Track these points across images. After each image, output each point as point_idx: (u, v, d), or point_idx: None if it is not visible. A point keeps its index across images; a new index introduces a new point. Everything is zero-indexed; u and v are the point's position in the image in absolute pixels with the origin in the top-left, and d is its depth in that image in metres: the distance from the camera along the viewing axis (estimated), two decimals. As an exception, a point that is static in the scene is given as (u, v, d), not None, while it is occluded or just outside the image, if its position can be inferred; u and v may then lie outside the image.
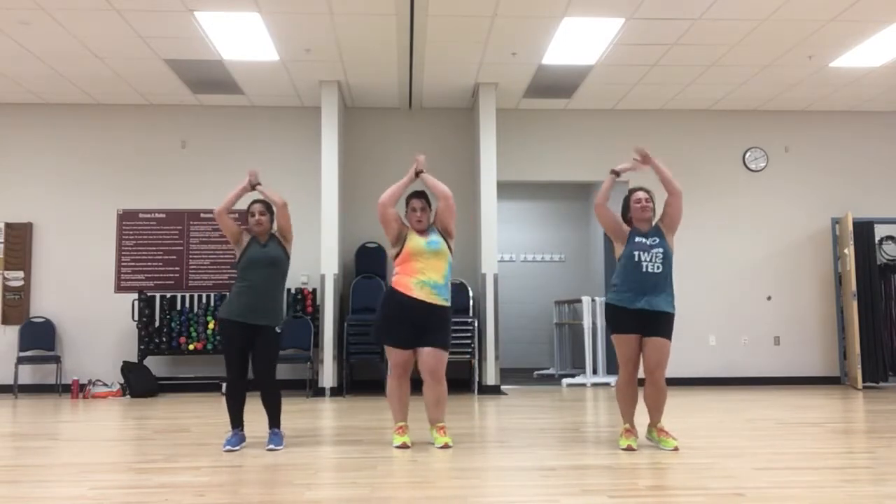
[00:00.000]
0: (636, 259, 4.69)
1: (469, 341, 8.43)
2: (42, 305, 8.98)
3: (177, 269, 9.16)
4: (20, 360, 8.59)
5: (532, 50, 7.66)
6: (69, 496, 3.61)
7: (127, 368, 8.49)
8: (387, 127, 9.58)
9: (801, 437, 5.26)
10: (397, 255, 4.95)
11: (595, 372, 9.54)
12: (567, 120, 9.61)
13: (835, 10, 6.73)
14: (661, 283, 4.70)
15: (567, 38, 7.33)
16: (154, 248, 9.16)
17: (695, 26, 7.04)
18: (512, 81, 8.60)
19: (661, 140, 9.45)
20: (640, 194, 4.82)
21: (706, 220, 9.40)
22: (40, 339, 8.81)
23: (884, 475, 3.98)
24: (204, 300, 8.86)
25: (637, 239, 4.76)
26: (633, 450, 4.63)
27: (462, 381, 8.62)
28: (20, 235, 9.03)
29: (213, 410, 7.03)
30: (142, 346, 8.64)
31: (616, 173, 4.87)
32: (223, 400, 7.90)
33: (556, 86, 8.73)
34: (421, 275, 4.83)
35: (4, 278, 8.98)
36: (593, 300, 9.80)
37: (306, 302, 8.84)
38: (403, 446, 4.78)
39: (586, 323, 9.65)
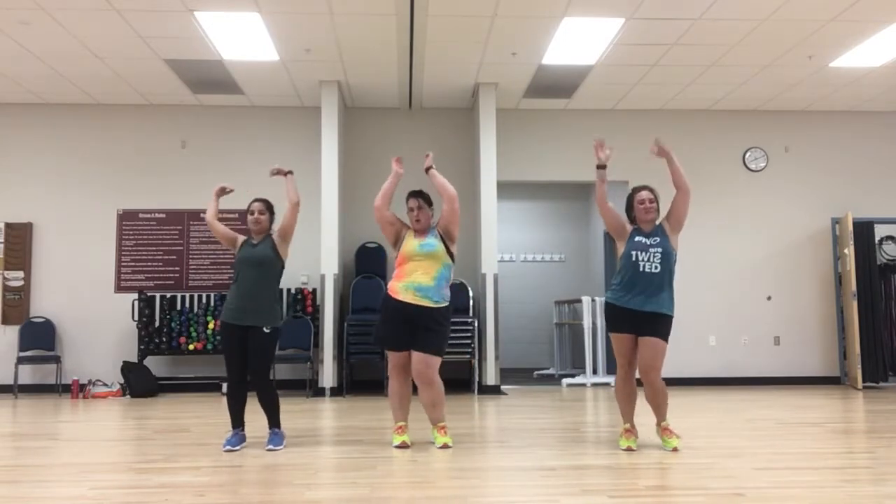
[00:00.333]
0: (633, 259, 4.67)
1: (469, 341, 8.43)
2: (42, 305, 8.98)
3: (177, 269, 9.17)
4: (20, 360, 8.59)
5: (532, 50, 7.66)
6: (69, 496, 3.62)
7: (127, 368, 8.49)
8: (387, 127, 9.58)
9: (801, 437, 5.26)
10: (397, 255, 4.99)
11: (595, 372, 9.54)
12: (567, 120, 9.61)
13: (835, 10, 6.73)
14: (659, 283, 4.65)
15: (567, 38, 7.33)
16: (154, 248, 9.16)
17: (695, 26, 7.04)
18: (512, 81, 8.60)
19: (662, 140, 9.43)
20: (644, 194, 4.75)
21: (706, 220, 9.40)
22: (40, 339, 8.81)
23: (884, 475, 3.98)
24: (204, 300, 8.86)
25: (637, 238, 4.73)
26: (633, 450, 4.64)
27: (462, 381, 8.63)
28: (20, 235, 9.03)
29: (213, 410, 7.03)
30: (142, 346, 8.64)
31: (601, 166, 4.80)
32: (223, 400, 7.91)
33: (556, 86, 8.73)
34: (408, 277, 4.84)
35: (4, 278, 8.98)
36: (593, 300, 9.80)
37: (306, 302, 8.84)
38: (402, 445, 4.78)
39: (586, 323, 9.65)
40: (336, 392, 8.30)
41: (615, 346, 4.76)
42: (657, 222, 4.80)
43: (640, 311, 4.64)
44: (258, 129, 9.39)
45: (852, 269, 8.91)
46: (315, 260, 8.65)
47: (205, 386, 8.80)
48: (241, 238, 5.08)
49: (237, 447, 4.78)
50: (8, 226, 9.03)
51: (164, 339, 8.68)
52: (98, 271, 9.07)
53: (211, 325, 8.69)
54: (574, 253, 12.62)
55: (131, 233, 9.17)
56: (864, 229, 9.11)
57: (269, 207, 5.07)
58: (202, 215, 9.18)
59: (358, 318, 8.57)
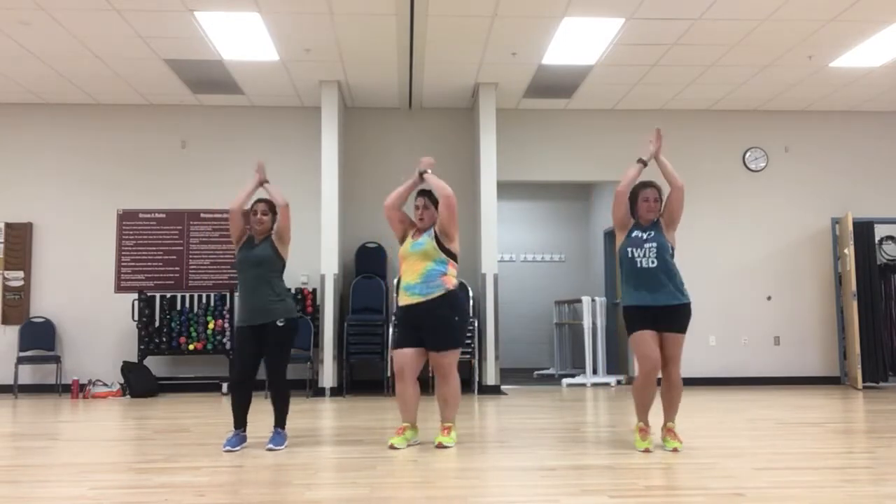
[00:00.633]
0: (630, 255, 4.71)
1: (469, 341, 8.42)
2: (42, 305, 8.98)
3: (177, 269, 9.17)
4: (20, 360, 8.59)
5: (532, 50, 7.66)
6: (69, 496, 3.61)
7: (127, 368, 8.49)
8: (387, 127, 9.58)
9: (801, 437, 5.26)
10: None
11: (595, 372, 9.54)
12: (567, 120, 9.61)
13: (835, 10, 6.73)
14: (660, 277, 4.65)
15: (567, 38, 7.33)
16: (154, 248, 9.16)
17: (695, 26, 7.04)
18: (512, 81, 8.60)
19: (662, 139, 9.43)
20: (650, 193, 4.75)
21: (706, 220, 9.40)
22: (40, 339, 8.81)
23: (884, 475, 3.98)
24: (204, 300, 8.86)
25: (634, 234, 4.75)
26: (650, 452, 4.59)
27: (462, 381, 8.57)
28: (20, 235, 9.03)
29: (213, 410, 7.04)
30: (142, 346, 8.64)
31: (644, 162, 4.80)
32: (224, 400, 7.92)
33: (556, 86, 8.73)
34: (402, 280, 4.97)
35: (4, 278, 8.98)
36: (593, 300, 9.80)
37: (306, 302, 8.84)
38: (391, 447, 4.78)
39: (586, 323, 9.65)
40: (336, 392, 8.30)
41: (638, 346, 4.65)
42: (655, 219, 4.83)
43: (654, 307, 4.65)
44: (258, 129, 9.39)
45: (852, 269, 8.91)
46: (315, 260, 8.65)
47: (205, 386, 8.80)
48: (244, 237, 5.09)
49: (237, 448, 4.78)
50: (8, 226, 9.03)
51: (164, 339, 8.68)
52: (98, 271, 9.07)
53: (211, 325, 8.69)
54: (574, 253, 12.62)
55: (131, 233, 9.17)
56: (864, 229, 9.11)
57: (271, 208, 5.08)
58: (203, 214, 9.19)
59: (358, 318, 8.57)
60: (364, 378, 8.86)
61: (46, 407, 7.54)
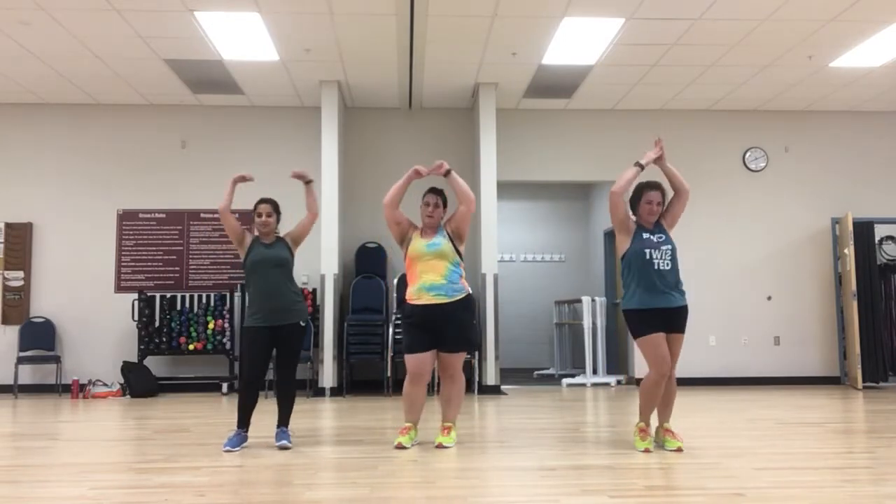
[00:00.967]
0: (647, 257, 4.66)
1: (473, 342, 8.40)
2: (42, 305, 8.98)
3: (177, 269, 9.16)
4: (20, 360, 8.59)
5: (532, 50, 7.66)
6: (69, 496, 3.61)
7: (127, 368, 8.49)
8: (387, 127, 9.58)
9: (801, 437, 5.26)
10: (405, 257, 5.00)
11: (595, 372, 9.54)
12: (567, 120, 9.61)
13: (835, 10, 6.73)
14: (672, 278, 4.69)
15: (567, 38, 7.32)
16: (154, 248, 9.16)
17: (695, 26, 7.04)
18: (512, 81, 8.60)
19: (662, 140, 9.43)
20: (654, 196, 4.74)
21: (706, 220, 9.40)
22: (40, 339, 8.81)
23: (884, 475, 3.98)
24: (204, 300, 8.85)
25: (645, 236, 4.73)
26: (650, 451, 4.60)
27: (462, 381, 8.62)
28: (20, 235, 9.03)
29: (213, 410, 7.04)
30: (142, 346, 8.64)
31: (641, 166, 4.78)
32: (224, 400, 7.91)
33: (556, 86, 8.73)
34: (419, 280, 4.86)
35: (4, 278, 8.98)
36: (593, 300, 9.80)
37: (306, 302, 8.84)
38: (399, 447, 4.78)
39: (586, 323, 9.65)
40: (336, 392, 8.30)
41: (650, 349, 4.62)
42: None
43: (670, 308, 4.65)
44: (258, 129, 9.39)
45: (852, 269, 8.91)
46: (315, 260, 8.65)
47: (205, 386, 8.80)
48: (249, 237, 5.04)
49: (237, 448, 4.78)
50: (8, 226, 9.03)
51: (164, 339, 8.68)
52: (98, 271, 9.07)
53: (211, 325, 8.69)
54: (574, 253, 12.61)
55: (131, 233, 9.17)
56: (864, 229, 9.11)
57: (275, 208, 5.05)
58: (203, 214, 9.20)
59: (358, 318, 8.57)
60: (364, 378, 8.86)
61: (46, 407, 7.54)
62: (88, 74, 8.22)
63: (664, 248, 4.69)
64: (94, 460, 4.57)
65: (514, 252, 12.58)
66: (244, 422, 4.90)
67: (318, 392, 8.30)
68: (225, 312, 8.74)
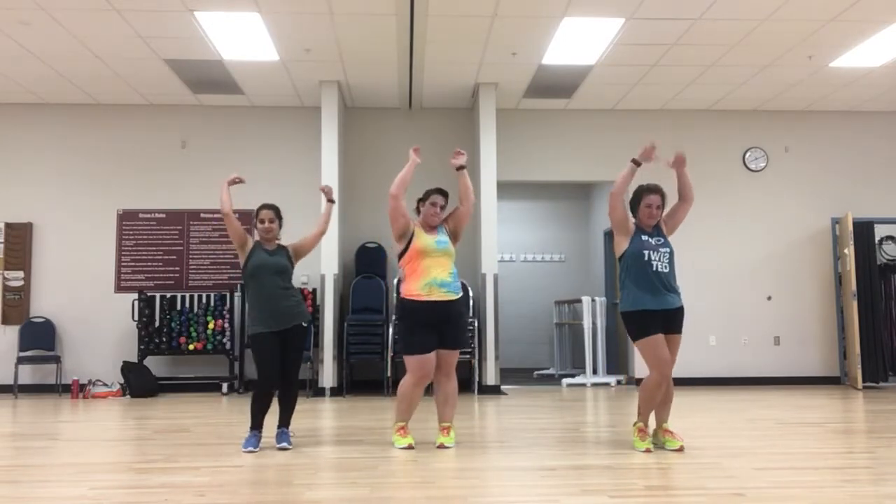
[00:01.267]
0: (646, 258, 4.66)
1: (469, 341, 8.42)
2: (42, 305, 8.98)
3: (177, 269, 9.16)
4: (20, 360, 8.58)
5: (532, 50, 7.66)
6: (69, 496, 3.62)
7: (127, 368, 8.49)
8: (387, 127, 9.58)
9: (801, 437, 5.26)
10: (403, 252, 4.89)
11: (595, 372, 9.54)
12: (567, 120, 9.61)
13: (835, 10, 6.73)
14: (669, 281, 4.71)
15: (567, 38, 7.32)
16: (154, 248, 9.16)
17: (695, 26, 7.04)
18: (512, 81, 8.60)
19: (661, 140, 9.41)
20: (654, 199, 4.73)
21: (706, 220, 9.39)
22: (40, 339, 8.80)
23: (884, 475, 3.98)
24: (204, 300, 8.85)
25: (644, 237, 4.73)
26: (651, 451, 4.60)
27: (462, 381, 8.56)
28: (20, 235, 9.03)
29: (213, 410, 7.04)
30: (142, 346, 8.64)
31: (637, 163, 4.77)
32: (224, 400, 7.91)
33: (556, 86, 8.73)
34: (427, 275, 4.81)
35: (4, 278, 8.98)
36: (593, 300, 9.80)
37: (306, 302, 8.84)
38: (409, 447, 4.77)
39: (586, 323, 9.65)
40: (336, 392, 8.30)
41: (651, 351, 4.61)
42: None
43: (668, 310, 4.66)
44: (258, 129, 9.39)
45: (852, 269, 8.91)
46: (315, 260, 8.62)
47: (205, 386, 8.80)
48: (251, 241, 5.01)
49: (258, 448, 4.78)
50: (8, 226, 9.03)
51: (164, 339, 8.68)
52: (98, 271, 9.07)
53: (211, 325, 8.69)
54: (574, 253, 12.61)
55: (131, 233, 9.17)
56: (864, 229, 9.11)
57: (278, 214, 5.04)
58: (203, 214, 9.19)
59: (358, 318, 8.57)
60: (364, 378, 8.86)
61: (46, 407, 7.54)
62: (88, 74, 8.22)
63: (663, 250, 4.71)
64: (94, 460, 4.57)
65: (514, 252, 12.58)
66: (260, 424, 4.88)
67: (318, 392, 8.29)
68: (225, 312, 8.74)
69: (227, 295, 8.83)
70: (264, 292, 4.87)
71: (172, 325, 8.71)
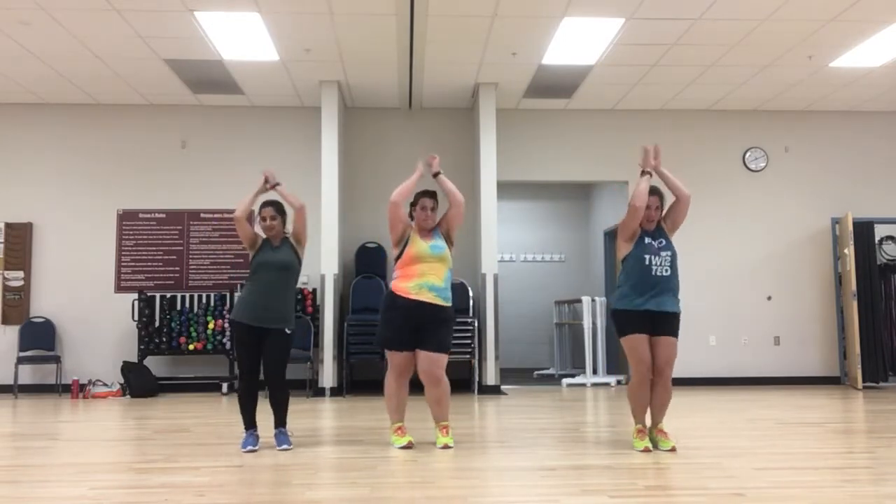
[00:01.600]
0: (646, 262, 4.66)
1: (469, 341, 8.42)
2: (42, 305, 8.98)
3: (177, 269, 9.16)
4: (20, 360, 8.58)
5: (532, 50, 7.66)
6: (69, 496, 3.62)
7: (127, 368, 8.49)
8: (387, 127, 9.58)
9: (801, 437, 5.26)
10: (399, 256, 4.94)
11: (595, 372, 9.55)
12: (567, 120, 9.60)
13: (835, 10, 6.73)
14: (669, 284, 4.70)
15: (567, 38, 7.32)
16: (154, 248, 9.16)
17: (695, 26, 7.04)
18: (512, 81, 8.60)
19: (661, 140, 9.41)
20: (652, 200, 4.73)
21: (706, 220, 9.39)
22: (40, 339, 8.81)
23: (884, 475, 3.98)
24: (204, 300, 8.85)
25: (647, 241, 4.73)
26: (650, 451, 4.61)
27: (462, 381, 8.61)
28: (20, 235, 9.03)
29: (213, 410, 7.04)
30: (142, 346, 8.64)
31: (649, 173, 4.75)
32: (224, 400, 7.92)
33: (556, 86, 8.73)
34: (420, 278, 4.83)
35: (4, 278, 8.98)
36: (593, 300, 9.80)
37: (306, 302, 8.83)
38: (408, 446, 4.77)
39: (586, 323, 9.65)
40: (336, 392, 8.30)
41: (632, 350, 4.64)
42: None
43: (658, 312, 4.65)
44: (258, 129, 9.39)
45: (852, 269, 8.91)
46: (315, 260, 8.64)
47: (205, 386, 8.80)
48: (260, 239, 5.01)
49: (257, 447, 4.77)
50: (8, 226, 9.03)
51: (164, 339, 8.68)
52: (98, 271, 9.07)
53: (211, 325, 8.69)
54: (574, 253, 12.62)
55: (131, 233, 9.17)
56: (864, 229, 9.11)
57: (279, 211, 5.01)
58: (203, 214, 9.19)
59: (358, 318, 8.57)
60: (364, 378, 8.86)
61: (46, 407, 7.54)
62: (88, 74, 8.22)
63: (664, 253, 4.70)
64: (94, 460, 4.57)
65: (514, 252, 12.58)
66: (251, 422, 4.89)
67: (318, 392, 8.29)
68: (225, 312, 8.74)
69: (227, 295, 8.83)
70: (260, 287, 4.87)
71: (172, 325, 8.71)
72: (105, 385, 8.55)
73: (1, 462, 4.60)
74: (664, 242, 4.75)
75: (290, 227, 5.07)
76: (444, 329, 4.88)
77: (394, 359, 4.90)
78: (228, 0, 6.48)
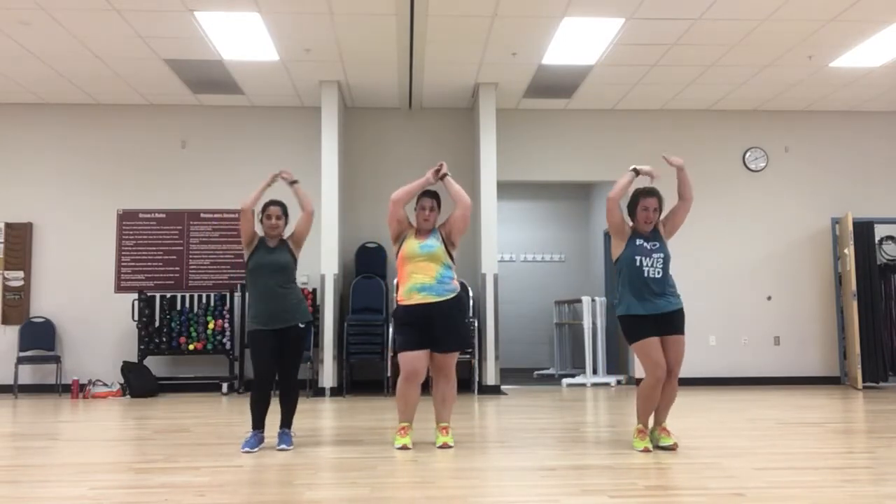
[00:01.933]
0: (637, 264, 4.68)
1: (465, 342, 8.39)
2: (42, 305, 8.98)
3: (177, 269, 9.16)
4: (20, 360, 8.58)
5: (532, 50, 7.66)
6: (69, 496, 3.62)
7: (127, 368, 8.49)
8: (387, 127, 9.58)
9: (801, 437, 5.26)
10: (397, 254, 4.99)
11: (595, 372, 9.54)
12: (567, 120, 9.60)
13: (835, 10, 6.73)
14: (663, 286, 4.71)
15: (567, 38, 7.33)
16: (154, 248, 9.16)
17: (695, 26, 7.04)
18: (512, 81, 8.60)
19: (661, 140, 9.45)
20: (650, 202, 4.75)
21: (706, 220, 9.39)
22: (40, 339, 8.80)
23: (884, 475, 3.98)
24: (204, 300, 8.85)
25: (639, 242, 4.74)
26: (650, 451, 4.61)
27: (462, 381, 8.56)
28: (20, 235, 9.03)
29: (213, 410, 7.04)
30: (142, 346, 8.64)
31: (636, 172, 4.78)
32: (224, 400, 7.91)
33: (556, 86, 8.73)
34: (410, 280, 4.87)
35: (4, 278, 8.98)
36: (593, 300, 9.80)
37: (306, 302, 8.82)
38: (404, 448, 4.77)
39: (586, 323, 9.65)
40: (336, 392, 8.30)
41: (646, 354, 4.62)
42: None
43: (661, 314, 4.67)
44: (258, 129, 9.38)
45: (852, 269, 8.91)
46: (315, 260, 8.64)
47: (205, 386, 8.80)
48: (257, 238, 5.01)
49: (256, 448, 4.77)
50: (8, 226, 9.03)
51: (164, 339, 8.68)
52: (98, 271, 9.07)
53: (211, 325, 8.69)
54: (574, 253, 12.62)
55: (131, 233, 9.17)
56: (864, 229, 9.11)
57: (285, 211, 5.03)
58: (203, 214, 9.19)
59: (358, 318, 8.57)
60: (364, 378, 8.86)
61: (46, 407, 7.54)
62: (88, 74, 8.22)
63: (656, 255, 4.71)
64: (94, 460, 4.57)
65: (514, 252, 12.58)
66: (260, 423, 4.88)
67: (318, 392, 8.30)
68: (225, 312, 8.74)
69: (227, 295, 8.83)
70: (262, 291, 4.88)
71: (172, 325, 8.71)
72: (105, 385, 8.55)
73: (1, 462, 4.60)
74: (658, 245, 4.75)
75: (287, 231, 5.07)
76: (449, 326, 4.87)
77: (402, 360, 4.86)
78: (228, 0, 6.48)
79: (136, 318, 8.73)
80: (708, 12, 6.73)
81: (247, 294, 5.08)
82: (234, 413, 6.80)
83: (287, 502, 3.46)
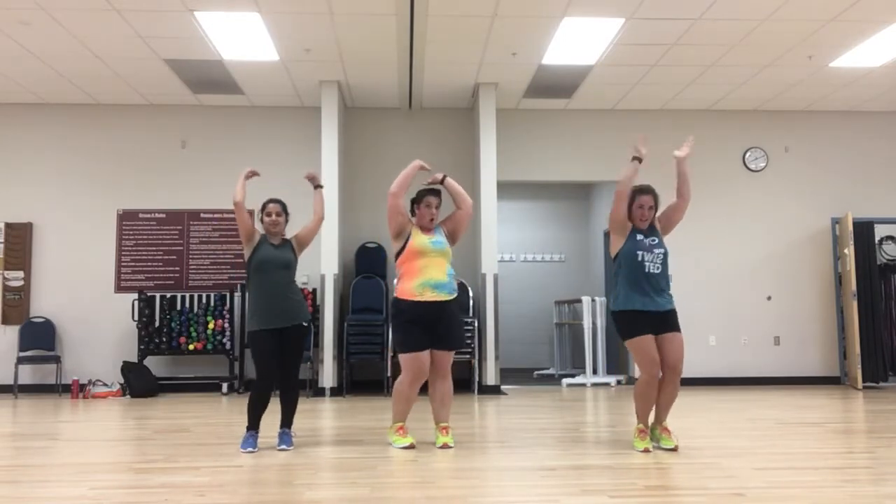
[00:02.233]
0: (639, 259, 4.68)
1: (469, 341, 8.42)
2: (42, 305, 8.98)
3: (177, 269, 9.16)
4: (20, 360, 8.58)
5: (532, 50, 7.66)
6: (69, 496, 3.62)
7: (127, 368, 8.49)
8: (387, 127, 9.58)
9: (801, 437, 5.26)
10: (400, 251, 4.92)
11: (595, 372, 9.54)
12: (567, 120, 9.61)
13: (835, 10, 6.73)
14: (663, 282, 4.72)
15: (567, 38, 7.33)
16: (154, 248, 9.16)
17: (695, 26, 7.04)
18: (512, 81, 8.60)
19: (662, 140, 9.42)
20: (646, 200, 4.75)
21: (706, 220, 9.39)
22: (40, 339, 8.80)
23: (884, 475, 3.98)
24: (204, 300, 8.85)
25: (639, 237, 4.75)
26: (650, 451, 4.60)
27: (462, 380, 8.61)
28: (20, 235, 9.03)
29: (213, 410, 7.04)
30: (142, 346, 8.64)
31: (639, 159, 4.76)
32: (224, 400, 7.91)
33: (556, 86, 8.73)
34: (422, 275, 4.82)
35: (4, 278, 8.98)
36: (593, 300, 9.80)
37: (306, 302, 8.82)
38: (411, 447, 4.77)
39: (586, 323, 9.65)
40: (336, 392, 8.30)
41: (641, 351, 4.62)
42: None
43: (657, 312, 4.66)
44: (258, 129, 9.38)
45: (852, 269, 8.91)
46: (315, 260, 8.63)
47: (205, 386, 8.80)
48: (258, 235, 4.99)
49: (256, 448, 4.77)
50: (8, 226, 9.03)
51: (164, 339, 8.68)
52: (98, 271, 9.07)
53: (211, 325, 8.69)
54: (574, 253, 12.62)
55: (131, 233, 9.17)
56: (864, 229, 9.11)
57: (284, 209, 5.04)
58: (203, 214, 9.20)
59: (358, 318, 8.57)
60: (364, 378, 8.86)
61: (46, 407, 7.54)
62: (88, 74, 8.22)
63: (657, 251, 4.72)
64: (94, 460, 4.57)
65: (514, 252, 12.58)
66: (257, 423, 4.88)
67: (318, 392, 8.29)
68: (225, 312, 8.74)
69: (227, 295, 8.83)
70: (267, 288, 4.86)
71: (172, 325, 8.71)
72: (105, 385, 8.55)
73: (1, 462, 4.60)
74: (657, 241, 4.77)
75: (289, 231, 5.08)
76: (454, 324, 4.91)
77: (410, 362, 4.81)
78: (228, 0, 6.48)
79: (136, 318, 8.73)
80: (708, 12, 6.73)
81: (247, 293, 5.05)
82: (234, 413, 6.80)
83: (287, 502, 3.46)
